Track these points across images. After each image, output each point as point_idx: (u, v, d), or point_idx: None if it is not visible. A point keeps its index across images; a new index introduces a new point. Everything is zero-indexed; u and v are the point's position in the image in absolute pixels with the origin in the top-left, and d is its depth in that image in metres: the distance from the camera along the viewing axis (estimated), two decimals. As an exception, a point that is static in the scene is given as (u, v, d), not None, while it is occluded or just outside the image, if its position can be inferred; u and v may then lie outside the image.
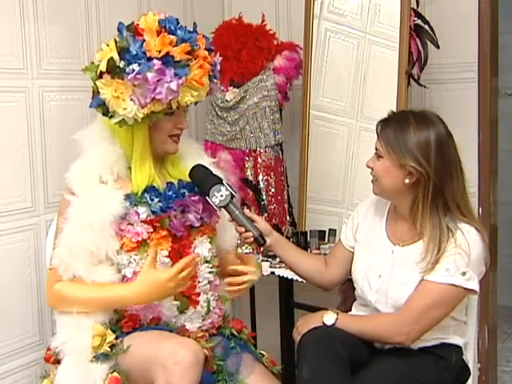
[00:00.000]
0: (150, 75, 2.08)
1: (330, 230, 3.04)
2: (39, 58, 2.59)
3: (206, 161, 2.40)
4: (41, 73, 2.60)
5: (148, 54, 2.09)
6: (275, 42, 3.18)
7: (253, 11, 3.24)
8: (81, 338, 2.13)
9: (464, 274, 2.17)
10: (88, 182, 2.19)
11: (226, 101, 3.13)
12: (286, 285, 3.17)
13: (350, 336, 2.23)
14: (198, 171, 2.29)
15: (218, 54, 2.30)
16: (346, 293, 2.83)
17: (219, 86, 2.34)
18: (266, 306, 3.43)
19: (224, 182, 2.25)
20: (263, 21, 3.20)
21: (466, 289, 2.20)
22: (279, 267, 2.90)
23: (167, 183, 2.26)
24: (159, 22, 2.14)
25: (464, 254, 2.17)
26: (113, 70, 2.10)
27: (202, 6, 3.41)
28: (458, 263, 2.17)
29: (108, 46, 2.13)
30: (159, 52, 2.09)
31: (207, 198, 2.22)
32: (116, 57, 2.10)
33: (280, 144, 3.19)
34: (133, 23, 2.16)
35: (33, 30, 2.56)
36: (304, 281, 2.61)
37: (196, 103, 2.28)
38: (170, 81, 2.09)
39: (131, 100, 2.10)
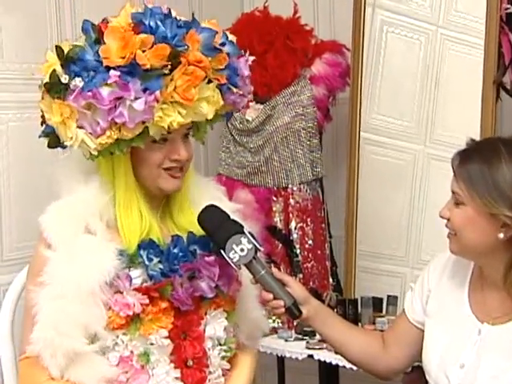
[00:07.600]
0: (104, 92, 1.92)
1: (388, 297, 2.95)
2: (-8, 64, 2.66)
3: (228, 207, 2.26)
4: (-6, 83, 2.65)
5: (105, 63, 1.94)
6: (313, 42, 3.12)
7: (282, 0, 3.15)
8: None
9: None
10: (70, 232, 2.08)
11: (247, 121, 3.12)
12: (328, 372, 3.08)
13: None
14: (211, 215, 2.14)
15: (248, 53, 2.16)
16: (411, 385, 2.75)
17: (245, 100, 2.22)
18: (302, 400, 3.38)
19: (245, 230, 2.10)
20: (296, 12, 3.13)
21: None
22: (319, 348, 2.81)
23: (172, 237, 2.14)
24: (133, 17, 1.99)
25: None
26: (52, 88, 1.99)
27: (215, -4, 3.49)
28: None
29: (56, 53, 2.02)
30: (123, 59, 1.94)
31: (223, 252, 2.08)
32: (59, 69, 1.97)
33: (320, 179, 3.15)
34: (105, 21, 2.01)
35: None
36: (354, 367, 2.48)
37: (212, 126, 2.15)
38: (136, 98, 1.92)
39: (79, 127, 1.98)
